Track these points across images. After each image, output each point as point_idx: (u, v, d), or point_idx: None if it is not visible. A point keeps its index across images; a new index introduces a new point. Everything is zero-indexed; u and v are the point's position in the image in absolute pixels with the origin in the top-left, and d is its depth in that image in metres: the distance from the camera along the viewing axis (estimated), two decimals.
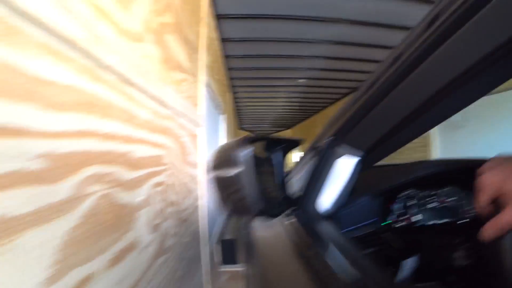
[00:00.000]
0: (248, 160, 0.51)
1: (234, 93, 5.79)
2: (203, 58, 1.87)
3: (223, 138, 3.57)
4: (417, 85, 0.39)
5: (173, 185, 1.09)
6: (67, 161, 0.46)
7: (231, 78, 4.74)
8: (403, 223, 0.82)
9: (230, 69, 4.23)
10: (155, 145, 0.89)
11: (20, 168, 0.37)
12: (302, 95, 6.38)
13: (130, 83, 0.71)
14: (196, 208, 1.55)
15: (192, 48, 1.58)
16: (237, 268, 2.65)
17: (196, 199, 1.55)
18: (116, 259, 0.62)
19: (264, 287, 0.67)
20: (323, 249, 0.53)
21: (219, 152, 0.58)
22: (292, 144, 0.71)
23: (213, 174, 0.56)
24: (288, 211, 0.75)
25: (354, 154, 0.60)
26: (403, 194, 0.86)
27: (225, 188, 0.55)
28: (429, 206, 0.83)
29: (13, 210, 0.36)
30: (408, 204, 0.84)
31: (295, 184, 0.82)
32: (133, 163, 0.72)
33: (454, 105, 0.40)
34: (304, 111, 8.08)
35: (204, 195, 1.87)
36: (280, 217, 0.84)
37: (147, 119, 0.83)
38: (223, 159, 0.56)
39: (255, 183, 0.51)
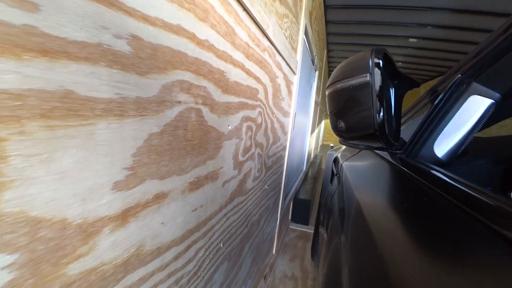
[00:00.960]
0: (378, 71, 0.45)
1: (329, 51, 5.44)
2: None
3: (313, 97, 3.38)
4: None
5: (262, 126, 1.01)
6: (159, 55, 0.39)
7: (328, 33, 4.43)
8: None
9: (328, 22, 3.93)
10: (251, 75, 0.80)
11: (107, 41, 0.30)
12: (405, 64, 5.82)
13: None
14: (281, 158, 1.48)
15: None
16: (307, 229, 2.60)
17: (283, 149, 1.47)
18: (195, 184, 0.57)
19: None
20: (453, 185, 0.43)
21: (343, 64, 0.53)
22: (411, 84, 0.62)
23: (331, 88, 0.52)
24: (395, 152, 0.70)
25: (487, 96, 0.51)
26: None
27: (345, 101, 0.49)
28: None
29: (91, 90, 0.30)
30: None
31: (405, 128, 0.75)
32: (226, 86, 0.65)
33: None
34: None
35: (290, 148, 1.79)
36: (385, 156, 0.82)
37: (246, 43, 0.73)
38: (349, 68, 0.50)
39: (379, 98, 0.45)
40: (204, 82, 0.54)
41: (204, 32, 0.51)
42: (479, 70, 0.52)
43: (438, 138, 0.58)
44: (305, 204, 2.65)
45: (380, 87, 0.47)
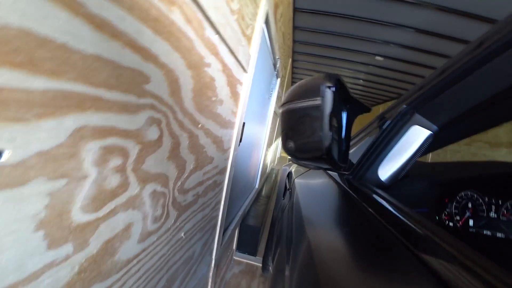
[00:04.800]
0: (330, 96, 0.46)
1: (294, 60, 5.17)
2: None
3: (272, 106, 3.00)
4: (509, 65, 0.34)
5: (161, 143, 0.57)
6: None
7: (295, 41, 4.13)
8: (456, 224, 0.76)
9: (296, 28, 3.64)
10: (119, 39, 0.37)
11: None
12: (365, 82, 5.76)
13: None
14: (216, 185, 1.03)
15: None
16: (254, 261, 2.17)
17: (219, 173, 1.03)
18: None
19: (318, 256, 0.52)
20: (379, 218, 0.48)
21: (298, 84, 0.53)
22: (362, 109, 0.62)
23: (285, 107, 0.51)
24: (343, 173, 0.74)
25: (427, 127, 0.56)
26: (464, 193, 0.78)
27: (296, 122, 0.49)
28: (490, 215, 0.76)
29: None
30: (467, 205, 0.77)
31: (355, 151, 0.78)
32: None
33: None
34: (366, 99, 7.25)
35: (236, 167, 1.36)
36: (334, 176, 0.85)
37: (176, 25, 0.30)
38: (303, 90, 0.50)
39: (328, 122, 0.45)
40: None
41: None
42: (421, 102, 0.55)
43: (382, 162, 0.62)
44: (254, 232, 2.23)
45: (331, 111, 0.47)
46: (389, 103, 6.59)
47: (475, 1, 2.36)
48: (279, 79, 2.94)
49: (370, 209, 0.53)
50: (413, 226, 0.39)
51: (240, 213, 2.08)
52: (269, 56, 2.13)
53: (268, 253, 1.77)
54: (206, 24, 0.64)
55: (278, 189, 1.98)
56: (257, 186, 3.05)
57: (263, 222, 2.52)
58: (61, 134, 0.32)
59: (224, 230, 1.60)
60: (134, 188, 0.50)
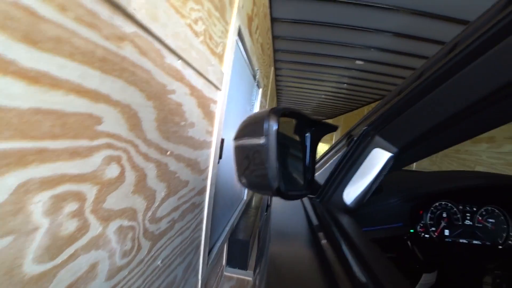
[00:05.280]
0: (273, 134, 0.45)
1: (277, 68, 5.20)
2: None
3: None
4: (470, 83, 0.34)
5: (123, 179, 0.56)
6: None
7: (276, 50, 4.17)
8: (432, 235, 0.77)
9: (276, 37, 3.67)
10: (61, 87, 0.36)
11: None
12: (350, 86, 5.83)
13: None
14: (194, 207, 1.02)
15: None
16: (245, 275, 2.15)
17: (197, 194, 1.02)
18: None
19: (273, 270, 0.55)
20: (341, 243, 0.48)
21: (246, 120, 0.53)
22: (327, 129, 0.62)
23: (236, 142, 0.51)
24: (310, 196, 0.74)
25: (387, 149, 0.55)
26: (438, 203, 0.80)
27: (246, 159, 0.49)
28: (466, 222, 0.79)
29: None
30: (442, 215, 0.79)
31: (322, 174, 0.77)
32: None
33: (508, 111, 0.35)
34: (350, 102, 7.34)
35: (217, 184, 1.35)
36: (301, 200, 0.84)
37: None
38: (248, 127, 0.50)
39: (276, 160, 0.45)
40: None
41: None
42: (381, 124, 0.55)
43: (347, 186, 0.60)
44: (243, 245, 2.21)
45: (277, 148, 0.45)
46: (373, 105, 6.70)
47: (446, 4, 2.44)
48: (260, 89, 2.95)
49: (325, 235, 0.54)
50: (366, 258, 0.40)
51: (228, 228, 2.06)
52: (247, 68, 2.14)
53: (257, 266, 1.72)
54: (165, 52, 0.64)
55: (263, 202, 1.97)
56: (245, 197, 3.03)
57: (253, 234, 2.50)
58: (2, 193, 0.31)
59: (211, 248, 1.58)
60: (95, 228, 0.49)
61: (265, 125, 0.45)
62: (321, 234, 0.58)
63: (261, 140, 0.46)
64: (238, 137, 0.50)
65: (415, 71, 0.48)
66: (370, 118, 0.61)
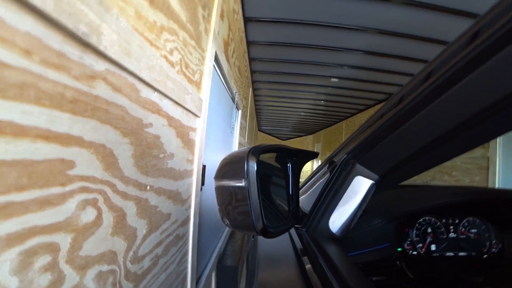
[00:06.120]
0: (253, 175, 0.45)
1: (255, 89, 5.27)
2: (214, 21, 1.31)
3: (236, 138, 3.00)
4: (442, 112, 0.35)
5: (100, 223, 0.53)
6: None
7: (253, 71, 4.24)
8: (420, 251, 0.77)
9: (252, 59, 3.75)
10: (27, 135, 0.34)
11: None
12: (327, 102, 6.02)
13: None
14: (178, 239, 0.97)
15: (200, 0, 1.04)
16: None
17: (181, 225, 0.98)
18: None
19: None
20: (327, 272, 0.48)
21: (225, 160, 0.52)
22: (308, 157, 0.62)
23: (216, 182, 0.50)
24: (296, 226, 0.73)
25: (368, 177, 0.56)
26: (423, 219, 0.80)
27: (227, 200, 0.48)
28: (450, 235, 0.80)
29: None
30: (427, 231, 0.79)
31: (307, 199, 0.78)
32: None
33: (481, 135, 0.36)
34: (328, 117, 7.50)
35: (201, 212, 1.31)
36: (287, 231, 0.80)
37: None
38: (228, 168, 0.49)
39: (258, 201, 0.45)
40: None
41: None
42: (361, 152, 0.56)
43: (332, 214, 0.60)
44: (231, 271, 2.14)
45: (258, 188, 0.45)
46: (351, 119, 6.86)
47: (411, 24, 2.59)
48: (240, 111, 2.96)
49: (311, 264, 0.54)
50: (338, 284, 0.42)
51: (215, 254, 2.00)
52: (226, 92, 2.15)
53: None
54: (140, 86, 0.63)
55: None
56: None
57: (241, 259, 2.43)
58: None
59: (198, 278, 1.52)
60: (72, 279, 0.46)
61: (245, 167, 0.45)
62: (306, 262, 0.58)
63: (242, 183, 0.45)
64: (218, 177, 0.50)
65: (391, 97, 0.48)
66: (349, 145, 0.62)
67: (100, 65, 0.48)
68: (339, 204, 0.60)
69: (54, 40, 0.38)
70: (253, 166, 0.45)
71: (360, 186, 0.57)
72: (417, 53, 3.14)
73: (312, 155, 0.62)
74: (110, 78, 0.51)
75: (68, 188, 0.42)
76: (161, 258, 0.85)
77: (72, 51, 0.41)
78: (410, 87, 0.41)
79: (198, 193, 1.21)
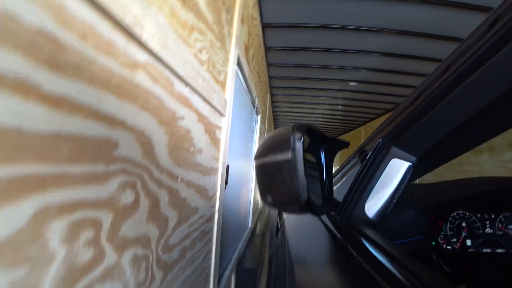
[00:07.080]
0: (299, 148, 0.46)
1: (273, 95, 5.30)
2: (235, 25, 1.35)
3: (256, 142, 3.02)
4: (478, 88, 0.35)
5: (138, 207, 0.55)
6: None
7: (270, 77, 4.27)
8: (455, 246, 0.75)
9: (270, 65, 3.78)
10: (80, 112, 0.37)
11: None
12: (345, 107, 5.95)
13: None
14: (204, 235, 0.99)
15: (224, 4, 1.07)
16: None
17: (206, 221, 1.00)
18: None
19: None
20: (375, 256, 0.46)
21: (268, 137, 0.54)
22: (340, 145, 0.62)
23: (258, 161, 0.51)
24: (332, 212, 0.73)
25: (405, 159, 0.55)
26: (456, 213, 0.78)
27: (270, 176, 0.49)
28: (486, 231, 0.76)
29: None
30: (461, 225, 0.77)
31: (337, 190, 0.77)
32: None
33: None
34: (346, 123, 7.42)
35: (225, 211, 1.33)
36: (319, 219, 0.83)
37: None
38: (272, 144, 0.50)
39: (304, 173, 0.45)
40: None
41: None
42: (397, 135, 0.55)
43: (368, 199, 0.59)
44: (251, 274, 2.14)
45: (304, 162, 0.46)
46: (370, 124, 6.76)
47: (431, 23, 2.54)
48: (259, 116, 2.99)
49: (356, 252, 0.52)
50: (396, 269, 0.39)
51: (235, 256, 2.00)
52: (246, 96, 2.18)
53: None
54: (174, 80, 0.65)
55: (271, 227, 1.95)
56: (250, 225, 2.97)
57: (260, 262, 2.42)
58: (19, 220, 0.30)
59: (219, 278, 1.53)
60: (111, 258, 0.48)
61: (291, 140, 0.46)
62: (350, 250, 0.56)
63: (288, 155, 0.46)
64: (260, 155, 0.50)
65: (425, 80, 0.48)
66: (384, 130, 0.61)
67: (142, 56, 0.50)
68: (375, 188, 0.59)
69: (105, 28, 0.41)
70: (298, 139, 0.46)
71: (397, 169, 0.56)
72: (435, 53, 3.06)
73: (344, 144, 0.62)
74: (149, 69, 0.53)
75: (111, 167, 0.44)
76: (188, 251, 0.87)
77: (119, 40, 0.44)
78: (451, 60, 0.41)
79: (223, 192, 1.23)
